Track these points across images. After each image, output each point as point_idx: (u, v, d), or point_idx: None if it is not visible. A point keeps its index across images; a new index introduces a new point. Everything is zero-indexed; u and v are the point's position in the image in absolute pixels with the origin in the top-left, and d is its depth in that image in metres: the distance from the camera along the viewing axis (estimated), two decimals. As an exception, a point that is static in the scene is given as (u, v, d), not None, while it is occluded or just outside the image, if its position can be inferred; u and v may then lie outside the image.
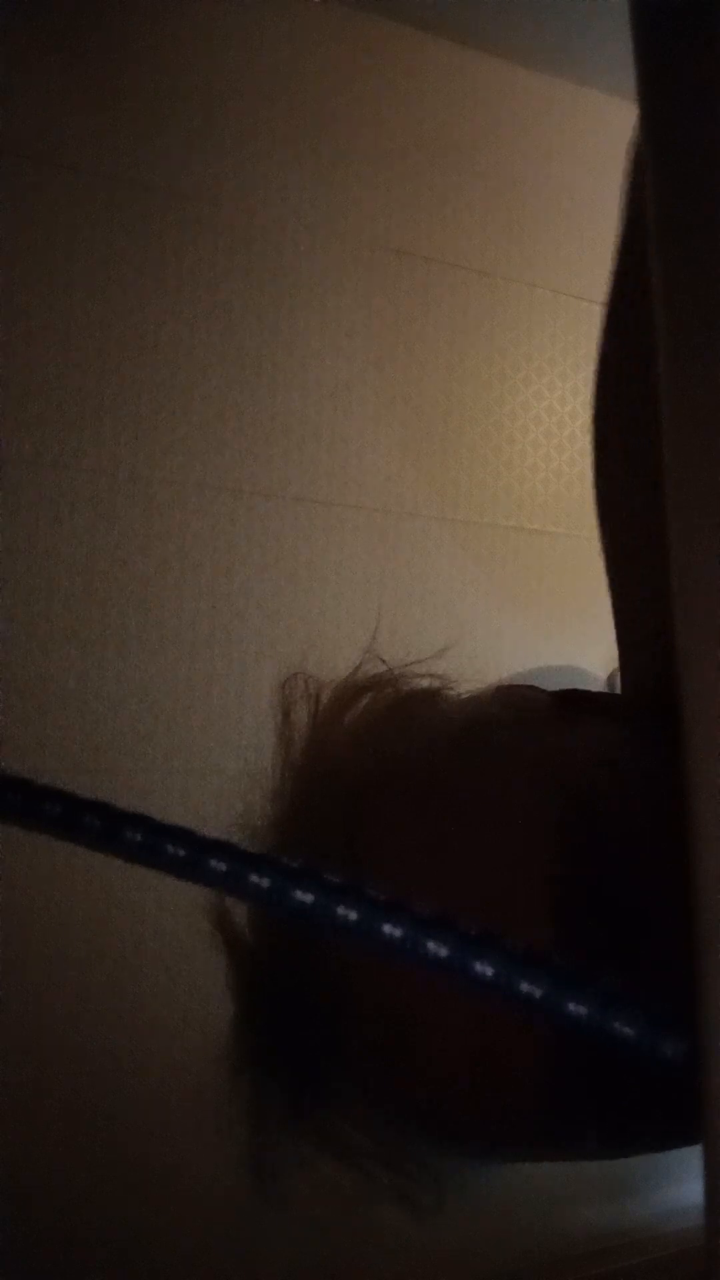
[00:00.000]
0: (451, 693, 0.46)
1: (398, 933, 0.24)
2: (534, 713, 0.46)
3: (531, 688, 0.48)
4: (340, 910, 0.25)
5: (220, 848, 0.26)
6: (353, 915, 0.24)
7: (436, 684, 0.46)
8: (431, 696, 0.46)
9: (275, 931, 0.42)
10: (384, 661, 0.46)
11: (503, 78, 1.70)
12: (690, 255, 0.22)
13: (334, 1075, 0.41)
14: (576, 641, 1.68)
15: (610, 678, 1.39)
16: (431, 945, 0.24)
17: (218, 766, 1.42)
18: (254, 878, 0.25)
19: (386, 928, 0.24)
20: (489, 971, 0.24)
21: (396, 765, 0.42)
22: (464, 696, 0.46)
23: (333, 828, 0.41)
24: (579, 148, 1.73)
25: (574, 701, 0.48)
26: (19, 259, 1.34)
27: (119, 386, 1.40)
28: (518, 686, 0.48)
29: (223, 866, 0.26)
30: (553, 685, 0.50)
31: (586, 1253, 1.68)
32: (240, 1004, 0.43)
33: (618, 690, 0.52)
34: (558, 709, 0.47)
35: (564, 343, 1.73)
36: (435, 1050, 0.39)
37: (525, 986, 0.23)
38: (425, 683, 0.46)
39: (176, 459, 1.44)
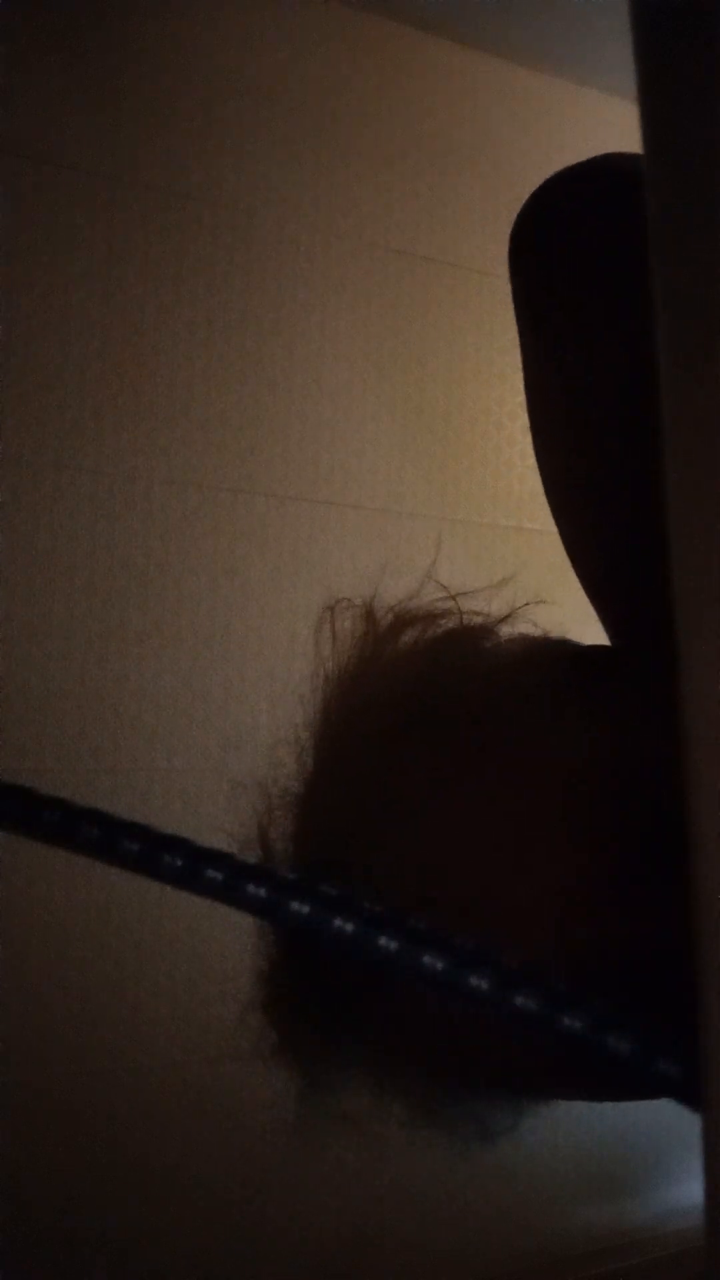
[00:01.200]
0: (497, 634, 0.47)
1: (394, 945, 0.24)
2: (569, 663, 0.47)
3: (564, 641, 0.49)
4: (336, 923, 0.25)
5: (217, 858, 0.26)
6: (349, 927, 0.25)
7: (488, 620, 0.47)
8: (482, 633, 0.47)
9: (313, 851, 0.43)
10: (445, 588, 0.47)
11: (503, 78, 1.70)
12: (690, 256, 0.22)
13: (364, 1014, 0.42)
14: (577, 641, 1.68)
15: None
16: (427, 959, 0.24)
17: (218, 766, 1.42)
18: (251, 888, 0.25)
19: (382, 940, 0.24)
20: (484, 985, 0.24)
21: (433, 711, 0.43)
22: (508, 642, 0.47)
23: (366, 776, 0.42)
24: (579, 148, 1.72)
25: (604, 655, 0.49)
26: (19, 259, 1.34)
27: (119, 386, 1.40)
28: (557, 638, 0.49)
29: (219, 877, 0.26)
30: None
31: (586, 1253, 1.68)
32: (277, 946, 0.44)
33: None
34: (589, 661, 0.48)
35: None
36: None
37: (520, 1000, 0.23)
38: (479, 618, 0.47)
39: (176, 459, 1.44)
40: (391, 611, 0.47)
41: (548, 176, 0.53)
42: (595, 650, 0.50)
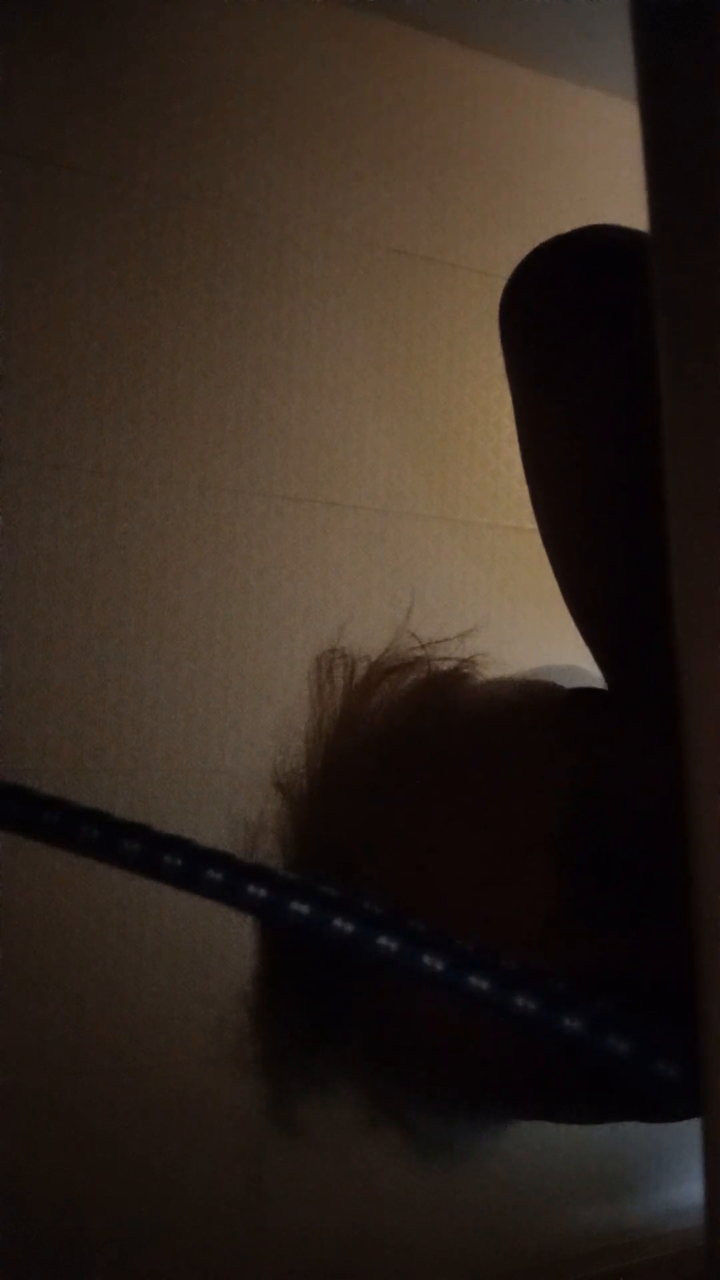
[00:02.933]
0: (476, 677, 0.49)
1: (394, 946, 0.24)
2: (551, 705, 0.49)
3: (550, 683, 0.51)
4: (337, 923, 0.25)
5: (218, 858, 0.26)
6: (349, 928, 0.25)
7: (463, 667, 0.49)
8: (458, 679, 0.49)
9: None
10: (416, 639, 0.49)
11: (503, 78, 1.70)
12: (690, 256, 0.22)
13: (345, 1021, 0.45)
14: (577, 641, 1.68)
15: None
16: (428, 959, 0.24)
17: (217, 767, 1.42)
18: (251, 888, 0.25)
19: (383, 940, 0.24)
20: (484, 986, 0.24)
21: (422, 744, 0.45)
22: (487, 682, 0.49)
23: (360, 800, 0.44)
24: (579, 148, 1.73)
25: (589, 699, 0.51)
26: (19, 259, 1.34)
27: (119, 386, 1.40)
28: (537, 681, 0.51)
29: (219, 877, 0.26)
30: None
31: (586, 1253, 1.68)
32: (264, 957, 0.47)
33: None
34: (573, 704, 0.50)
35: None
36: (430, 1024, 0.41)
37: (520, 1001, 0.24)
38: (452, 665, 0.49)
39: (176, 459, 1.44)
40: (377, 661, 0.49)
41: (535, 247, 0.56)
42: (578, 691, 0.52)
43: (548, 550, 0.58)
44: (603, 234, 0.52)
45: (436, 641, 0.50)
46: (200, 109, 1.46)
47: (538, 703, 0.49)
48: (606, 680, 0.56)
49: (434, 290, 1.63)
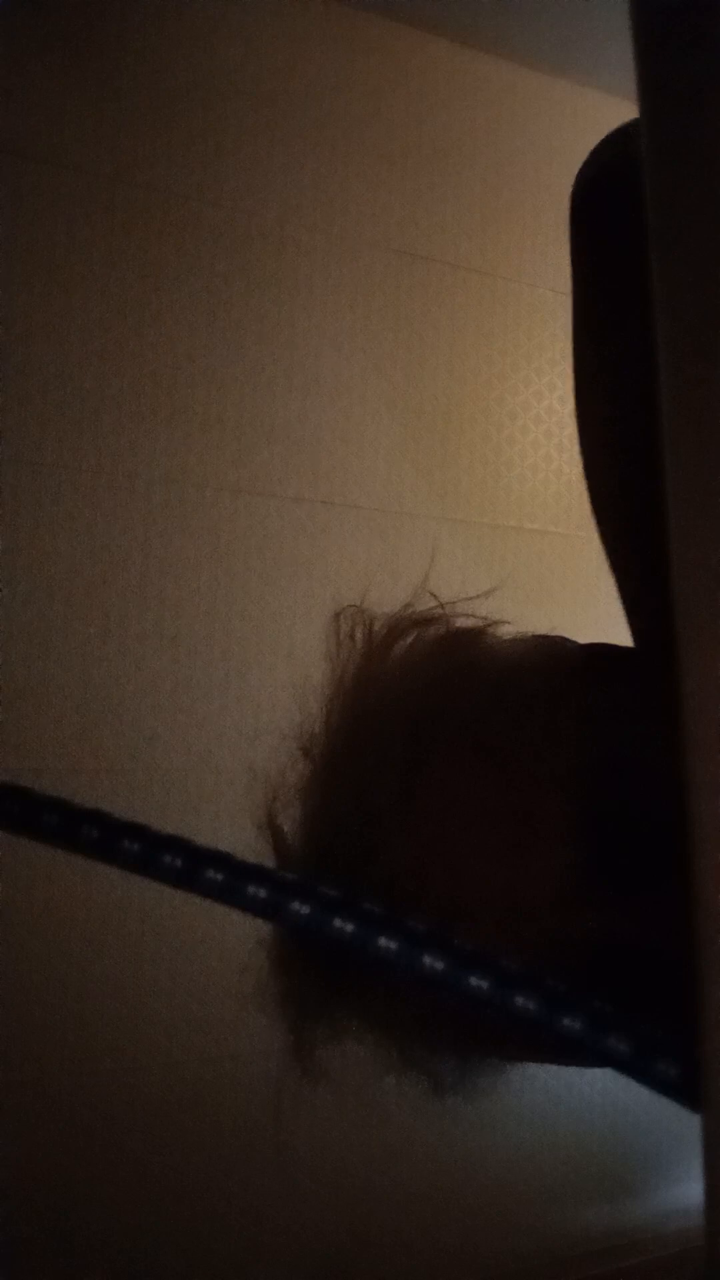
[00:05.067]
0: (495, 633, 0.49)
1: (394, 946, 0.24)
2: (568, 664, 0.49)
3: (565, 639, 0.51)
4: (337, 923, 0.25)
5: (217, 859, 0.26)
6: (349, 928, 0.25)
7: (482, 623, 0.49)
8: (477, 635, 0.48)
9: (321, 840, 0.45)
10: (435, 597, 0.49)
11: (503, 78, 1.70)
12: (690, 255, 0.22)
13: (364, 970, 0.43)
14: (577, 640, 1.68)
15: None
16: (428, 959, 0.24)
17: (217, 766, 1.42)
18: (251, 888, 0.25)
19: (383, 941, 0.24)
20: (484, 986, 0.24)
21: (443, 702, 0.44)
22: (508, 640, 0.49)
23: (387, 758, 0.43)
24: (579, 148, 1.72)
25: (603, 656, 0.50)
26: (19, 259, 1.34)
27: (119, 386, 1.40)
28: (554, 636, 0.50)
29: (219, 877, 0.26)
30: None
31: (586, 1253, 1.68)
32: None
33: None
34: (588, 662, 0.49)
35: (564, 343, 1.72)
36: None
37: (520, 1001, 0.24)
38: (472, 622, 0.49)
39: (176, 459, 1.44)
40: (396, 617, 0.48)
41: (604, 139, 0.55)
42: (595, 648, 0.51)
43: (591, 490, 0.58)
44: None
45: (457, 600, 0.50)
46: (200, 109, 1.46)
47: (559, 660, 0.49)
48: (634, 639, 0.56)
49: (434, 290, 1.63)
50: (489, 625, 0.49)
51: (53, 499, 1.36)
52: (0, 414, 1.33)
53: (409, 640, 0.47)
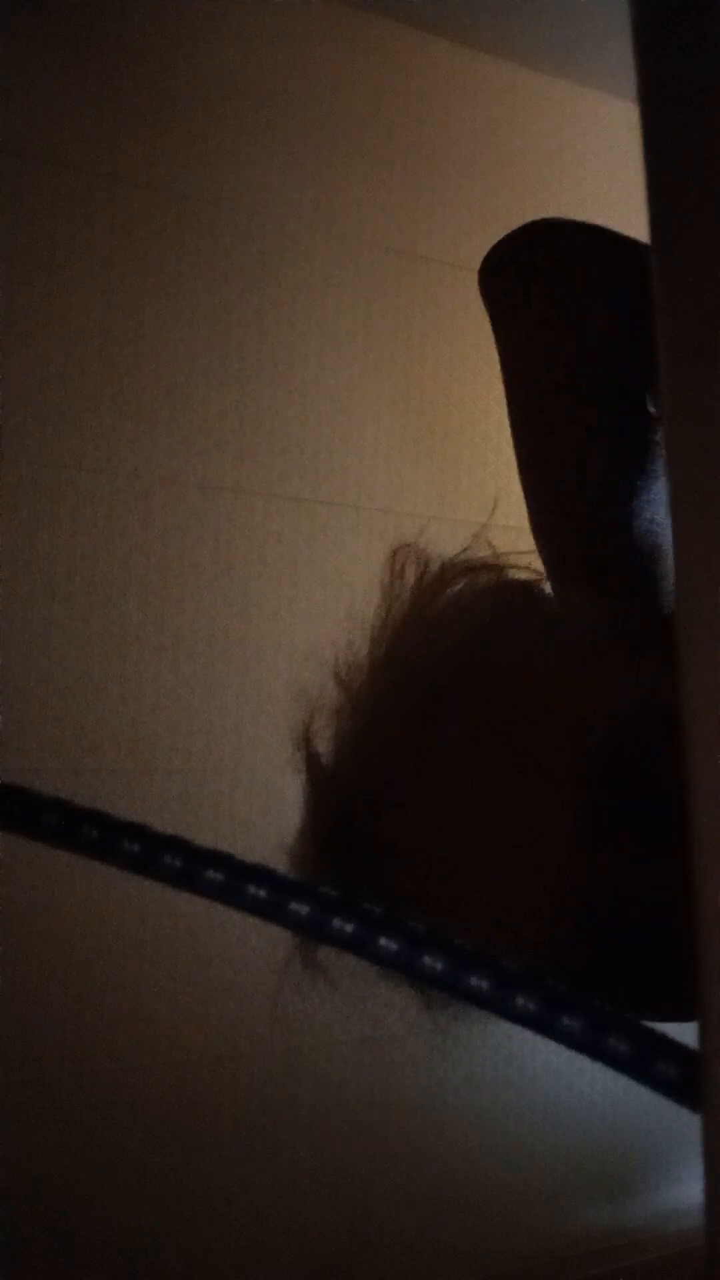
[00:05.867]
0: (543, 587, 0.50)
1: (394, 946, 0.24)
2: (601, 633, 0.49)
3: (613, 603, 0.53)
4: (337, 923, 0.25)
5: (217, 858, 0.26)
6: (349, 928, 0.25)
7: (534, 577, 0.50)
8: (521, 590, 0.50)
9: (350, 776, 0.46)
10: (492, 546, 0.50)
11: (503, 78, 1.70)
12: (690, 255, 0.22)
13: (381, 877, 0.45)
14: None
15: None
16: (428, 959, 0.24)
17: (217, 767, 1.42)
18: (251, 888, 0.25)
19: (383, 941, 0.24)
20: (484, 986, 0.24)
21: (484, 650, 0.46)
22: (559, 595, 0.50)
23: (415, 700, 0.44)
24: (579, 148, 1.73)
25: (643, 627, 0.51)
26: (19, 259, 1.34)
27: (119, 386, 1.40)
28: (602, 600, 0.52)
29: (219, 877, 0.26)
30: None
31: (586, 1253, 1.68)
32: (308, 824, 0.47)
33: None
34: (625, 633, 0.50)
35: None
36: (463, 899, 0.42)
37: (520, 1001, 0.24)
38: (524, 574, 0.50)
39: (176, 459, 1.44)
40: (450, 560, 0.49)
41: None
42: (631, 614, 0.53)
43: (525, 485, 0.63)
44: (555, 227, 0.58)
45: (513, 552, 0.51)
46: (200, 109, 1.46)
47: (591, 626, 0.49)
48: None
49: (434, 290, 1.63)
50: (540, 579, 0.50)
51: (53, 499, 1.36)
52: (0, 414, 1.33)
53: (459, 585, 0.48)
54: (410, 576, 0.48)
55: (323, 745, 0.47)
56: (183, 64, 1.45)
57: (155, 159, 1.43)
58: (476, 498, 1.67)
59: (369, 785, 0.44)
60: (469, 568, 0.49)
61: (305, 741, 0.47)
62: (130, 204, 1.41)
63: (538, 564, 0.51)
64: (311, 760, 0.47)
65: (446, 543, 1.71)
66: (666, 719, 0.42)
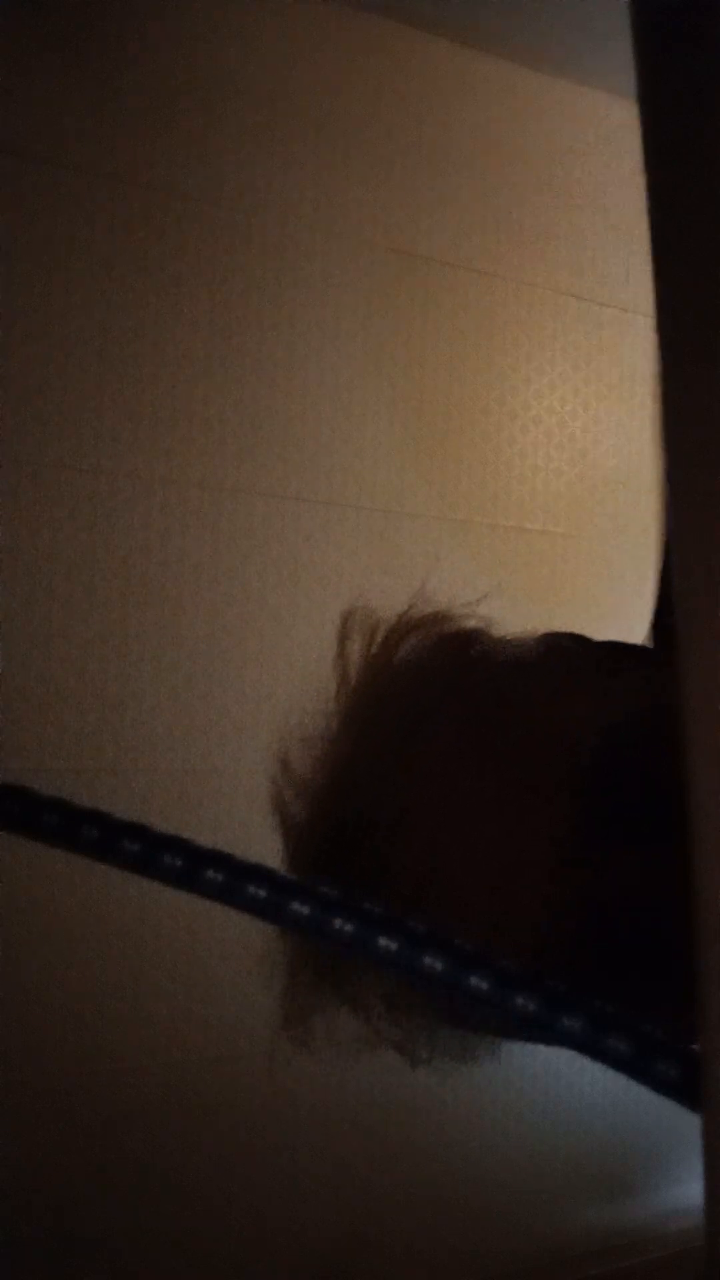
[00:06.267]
0: (494, 632, 0.50)
1: (394, 946, 0.24)
2: (575, 659, 0.50)
3: (577, 636, 0.52)
4: (337, 923, 0.25)
5: (217, 859, 0.26)
6: (349, 928, 0.25)
7: (481, 624, 0.51)
8: (476, 635, 0.50)
9: (323, 815, 0.47)
10: (433, 603, 0.51)
11: (503, 78, 1.70)
12: (690, 255, 0.22)
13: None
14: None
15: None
16: (428, 959, 0.24)
17: (217, 767, 1.42)
18: (251, 889, 0.25)
19: (383, 941, 0.24)
20: (484, 986, 0.24)
21: (445, 693, 0.46)
22: (508, 637, 0.51)
23: (385, 745, 0.45)
24: (579, 148, 1.73)
25: (617, 652, 0.52)
26: (19, 259, 1.34)
27: (119, 386, 1.40)
28: (563, 633, 0.52)
29: (219, 877, 0.26)
30: None
31: (586, 1253, 1.68)
32: (294, 851, 0.48)
33: None
34: (599, 658, 0.51)
35: (564, 343, 1.73)
36: (457, 911, 0.42)
37: (520, 1001, 0.24)
38: (471, 623, 0.51)
39: (176, 459, 1.44)
40: (400, 619, 0.50)
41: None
42: (605, 646, 0.53)
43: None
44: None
45: (458, 603, 0.52)
46: (200, 109, 1.46)
47: (563, 654, 0.50)
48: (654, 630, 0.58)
49: (434, 290, 1.63)
50: (489, 625, 0.51)
51: (53, 499, 1.36)
52: (0, 414, 1.33)
53: (412, 642, 0.49)
54: (362, 641, 0.49)
55: (300, 777, 0.48)
56: (183, 64, 1.45)
57: (155, 159, 1.43)
58: (476, 498, 1.67)
59: (358, 806, 0.45)
60: (418, 624, 0.50)
61: (280, 810, 0.48)
62: (130, 204, 1.41)
63: (484, 611, 0.52)
64: (288, 828, 0.47)
65: (446, 543, 1.70)
66: (653, 730, 0.43)
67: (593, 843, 0.41)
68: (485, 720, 0.45)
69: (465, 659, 0.49)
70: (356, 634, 0.49)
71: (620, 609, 1.67)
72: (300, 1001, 0.47)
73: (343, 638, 0.49)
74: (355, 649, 0.49)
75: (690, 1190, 1.72)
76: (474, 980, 0.24)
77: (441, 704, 0.46)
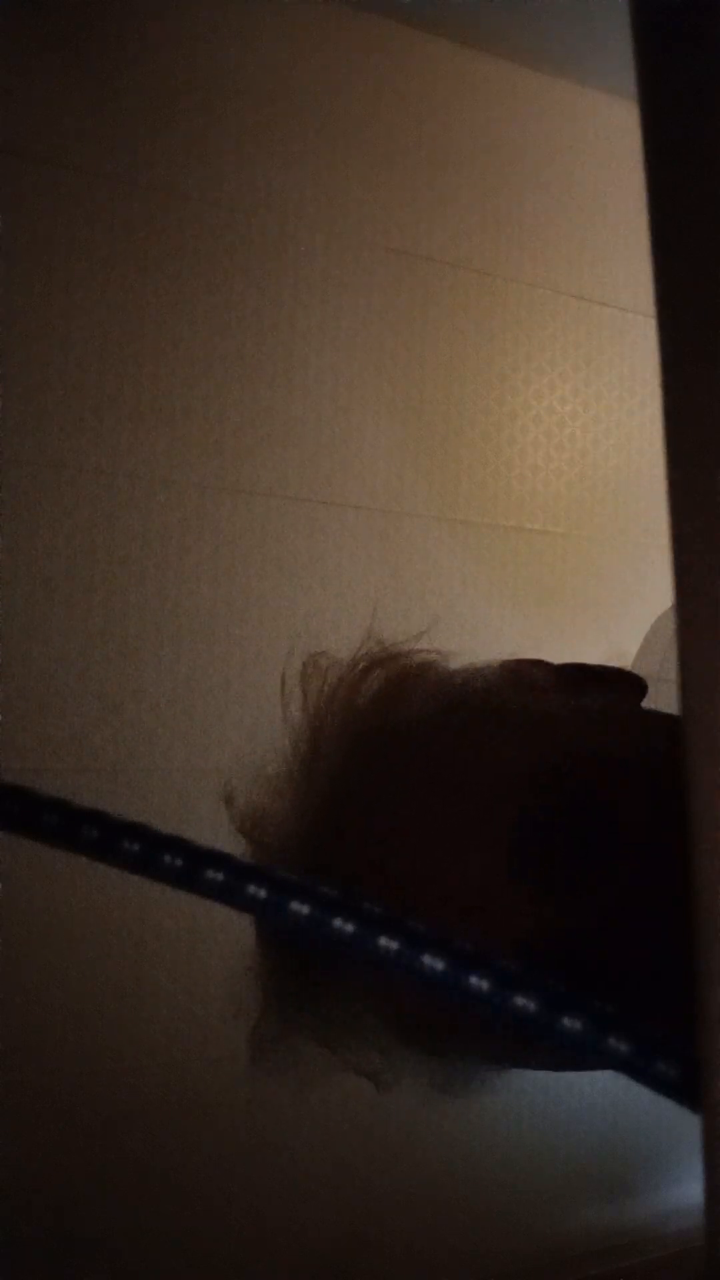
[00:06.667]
0: (448, 665, 0.52)
1: (394, 946, 0.24)
2: (532, 682, 0.51)
3: (538, 662, 0.53)
4: (337, 923, 0.25)
5: (217, 858, 0.26)
6: (349, 928, 0.25)
7: (434, 657, 0.52)
8: (430, 668, 0.51)
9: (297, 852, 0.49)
10: (381, 642, 0.52)
11: (503, 78, 1.70)
12: (690, 255, 0.22)
13: (332, 981, 0.47)
14: (576, 641, 1.68)
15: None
16: (428, 959, 0.24)
17: (217, 767, 1.42)
18: (251, 889, 0.25)
19: (383, 941, 0.24)
20: (484, 986, 0.24)
21: (396, 727, 0.48)
22: (463, 667, 0.52)
23: (333, 783, 0.47)
24: (579, 148, 1.73)
25: (577, 674, 0.52)
26: (19, 259, 1.34)
27: (119, 386, 1.40)
28: (523, 660, 0.53)
29: (219, 877, 0.26)
30: None
31: (586, 1253, 1.68)
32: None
33: None
34: (559, 680, 0.52)
35: (564, 343, 1.73)
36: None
37: (520, 1001, 0.24)
38: (424, 657, 0.52)
39: (176, 459, 1.44)
40: (353, 662, 0.52)
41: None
42: (564, 667, 0.54)
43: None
44: None
45: (403, 640, 0.53)
46: (200, 109, 1.46)
47: (517, 683, 0.51)
48: None
49: (434, 290, 1.63)
50: (440, 658, 0.52)
51: (53, 499, 1.36)
52: (0, 414, 1.33)
53: (368, 682, 0.51)
54: (318, 683, 0.51)
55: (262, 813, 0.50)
56: (183, 64, 1.44)
57: (155, 159, 1.43)
58: (476, 498, 1.67)
59: (332, 853, 0.47)
60: (372, 664, 0.51)
61: (247, 830, 0.51)
62: (130, 204, 1.41)
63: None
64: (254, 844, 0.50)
65: (446, 543, 1.71)
66: (599, 758, 0.44)
67: (544, 864, 0.42)
68: (423, 756, 0.47)
69: (419, 689, 0.50)
70: (316, 676, 0.51)
71: (620, 609, 1.67)
72: (267, 1032, 0.48)
73: (303, 685, 0.52)
74: (314, 691, 0.51)
75: (690, 1190, 1.72)
76: (474, 980, 0.24)
77: (382, 746, 0.48)
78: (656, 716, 0.48)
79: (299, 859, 0.47)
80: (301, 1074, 0.48)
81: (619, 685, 0.52)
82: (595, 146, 1.72)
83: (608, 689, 0.51)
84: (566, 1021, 0.23)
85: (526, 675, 0.52)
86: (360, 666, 0.51)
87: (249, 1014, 0.48)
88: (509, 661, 0.52)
